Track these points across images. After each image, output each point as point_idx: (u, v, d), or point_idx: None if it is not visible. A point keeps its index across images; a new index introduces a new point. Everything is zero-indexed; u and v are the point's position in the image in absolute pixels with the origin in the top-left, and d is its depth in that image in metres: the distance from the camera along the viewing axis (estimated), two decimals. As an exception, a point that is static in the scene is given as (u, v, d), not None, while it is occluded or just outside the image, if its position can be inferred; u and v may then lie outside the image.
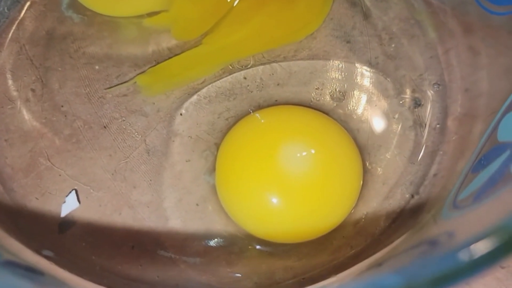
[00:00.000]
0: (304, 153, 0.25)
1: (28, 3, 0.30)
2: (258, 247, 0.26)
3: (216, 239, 0.26)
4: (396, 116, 0.28)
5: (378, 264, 0.19)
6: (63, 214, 0.26)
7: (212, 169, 0.27)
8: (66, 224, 0.26)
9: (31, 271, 0.19)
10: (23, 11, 0.30)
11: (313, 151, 0.25)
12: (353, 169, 0.26)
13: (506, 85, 0.25)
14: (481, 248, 0.12)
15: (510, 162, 0.19)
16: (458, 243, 0.14)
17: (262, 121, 0.26)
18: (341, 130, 0.26)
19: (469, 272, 0.12)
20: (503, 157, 0.20)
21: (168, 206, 0.26)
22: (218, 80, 0.28)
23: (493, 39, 0.27)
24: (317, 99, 0.28)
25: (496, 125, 0.23)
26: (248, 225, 0.26)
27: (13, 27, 0.30)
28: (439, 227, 0.19)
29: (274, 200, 0.25)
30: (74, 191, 0.27)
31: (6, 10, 0.30)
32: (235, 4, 0.29)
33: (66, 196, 0.27)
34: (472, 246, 0.13)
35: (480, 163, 0.22)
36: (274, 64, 0.29)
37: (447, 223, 0.19)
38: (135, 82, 0.28)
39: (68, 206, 0.27)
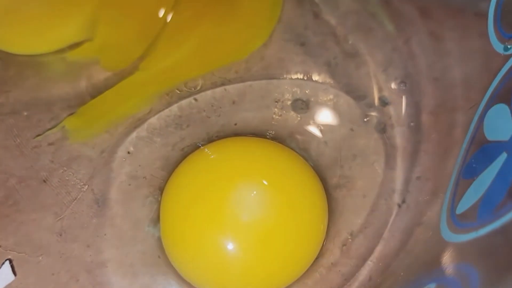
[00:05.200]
0: (258, 192, 0.22)
1: None
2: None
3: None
4: (366, 119, 0.26)
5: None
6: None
7: (157, 219, 0.24)
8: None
9: None
10: None
11: (268, 190, 0.22)
12: (315, 201, 0.23)
13: (481, 71, 0.23)
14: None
15: (512, 167, 0.17)
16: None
17: (212, 156, 0.23)
18: (298, 160, 0.24)
19: None
20: (501, 161, 0.18)
21: (133, 262, 0.23)
22: (166, 108, 0.25)
23: (453, 20, 0.25)
24: (279, 114, 0.25)
25: (481, 121, 0.21)
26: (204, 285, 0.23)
27: None
28: (444, 252, 0.17)
29: (230, 248, 0.22)
30: (7, 262, 0.23)
31: None
32: (168, 20, 0.26)
33: (-2, 269, 0.23)
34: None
35: (471, 167, 0.20)
36: (226, 82, 0.26)
37: (454, 247, 0.16)
38: (64, 126, 0.25)
39: (1, 280, 0.23)
